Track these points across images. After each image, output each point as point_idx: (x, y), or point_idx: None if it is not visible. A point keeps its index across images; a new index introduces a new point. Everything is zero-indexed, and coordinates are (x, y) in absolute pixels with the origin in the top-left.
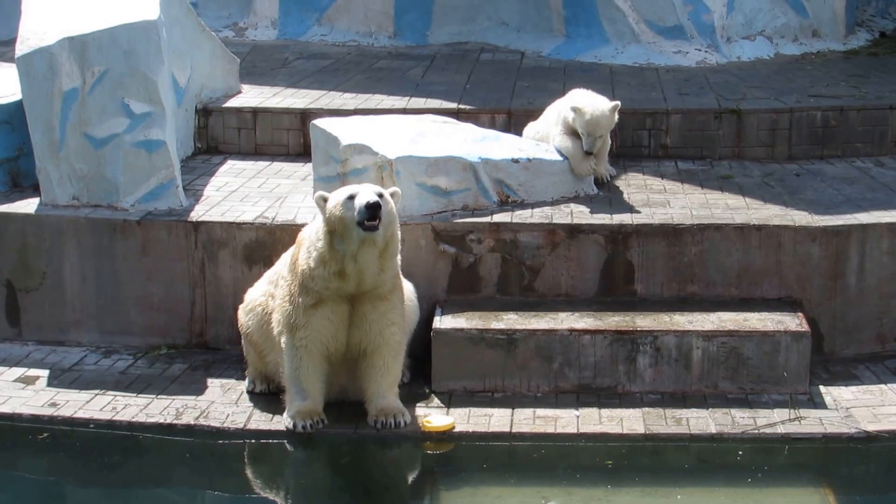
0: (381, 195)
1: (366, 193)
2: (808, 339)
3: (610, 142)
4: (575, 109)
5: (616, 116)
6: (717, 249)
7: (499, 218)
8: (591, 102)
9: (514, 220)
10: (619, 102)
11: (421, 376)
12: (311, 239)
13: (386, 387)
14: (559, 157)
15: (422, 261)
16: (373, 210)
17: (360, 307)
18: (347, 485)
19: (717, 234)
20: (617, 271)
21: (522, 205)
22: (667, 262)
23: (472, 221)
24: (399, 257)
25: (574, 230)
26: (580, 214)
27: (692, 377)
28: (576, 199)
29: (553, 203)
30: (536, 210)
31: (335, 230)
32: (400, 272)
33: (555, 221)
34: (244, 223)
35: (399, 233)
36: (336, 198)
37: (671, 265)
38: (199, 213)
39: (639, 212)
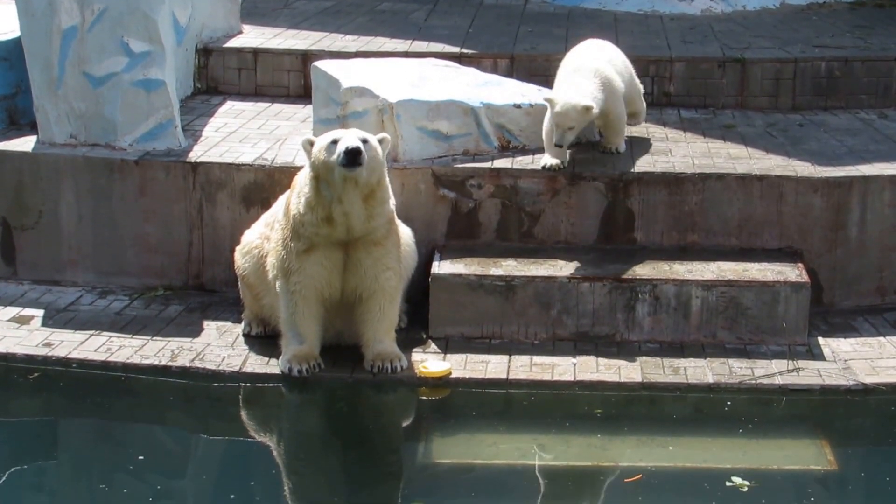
0: (365, 140)
1: (348, 138)
2: (807, 290)
3: (622, 113)
4: (547, 100)
5: (592, 114)
6: (718, 199)
7: (499, 163)
8: (563, 95)
9: (515, 166)
10: (594, 105)
11: (418, 322)
12: (301, 184)
13: (382, 332)
14: None
15: (421, 205)
16: (352, 156)
17: (354, 253)
18: (342, 429)
19: (718, 183)
20: (617, 219)
21: (523, 150)
22: (667, 210)
23: (473, 166)
24: (392, 202)
25: (575, 177)
26: (581, 161)
27: (691, 327)
28: (577, 144)
29: None
30: (537, 156)
31: (320, 175)
32: (396, 217)
33: None
34: (243, 164)
35: (387, 179)
36: (321, 142)
37: (672, 214)
38: (197, 154)
39: (640, 160)
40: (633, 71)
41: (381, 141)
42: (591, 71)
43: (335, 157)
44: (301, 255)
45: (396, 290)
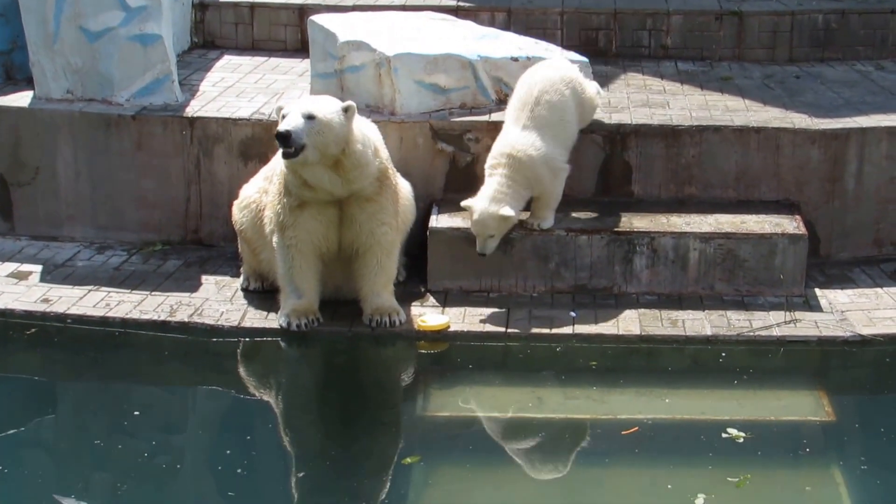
0: (311, 116)
1: (286, 120)
2: (804, 241)
3: (556, 192)
4: (465, 206)
5: (513, 221)
6: (715, 151)
7: (497, 117)
8: (481, 202)
9: None
10: (513, 214)
11: (417, 275)
12: None
13: (380, 285)
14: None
15: (419, 159)
16: (280, 140)
17: (347, 208)
18: (341, 383)
19: (715, 135)
20: (615, 172)
21: None
22: (665, 163)
23: (470, 120)
24: (385, 158)
25: None
26: None
27: (688, 279)
28: None
29: None
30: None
31: None
32: (392, 172)
33: None
34: (240, 119)
35: (359, 144)
36: (276, 112)
37: (669, 166)
38: (194, 109)
39: (637, 112)
40: (584, 87)
41: (346, 110)
42: (528, 152)
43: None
44: (294, 210)
45: (393, 244)
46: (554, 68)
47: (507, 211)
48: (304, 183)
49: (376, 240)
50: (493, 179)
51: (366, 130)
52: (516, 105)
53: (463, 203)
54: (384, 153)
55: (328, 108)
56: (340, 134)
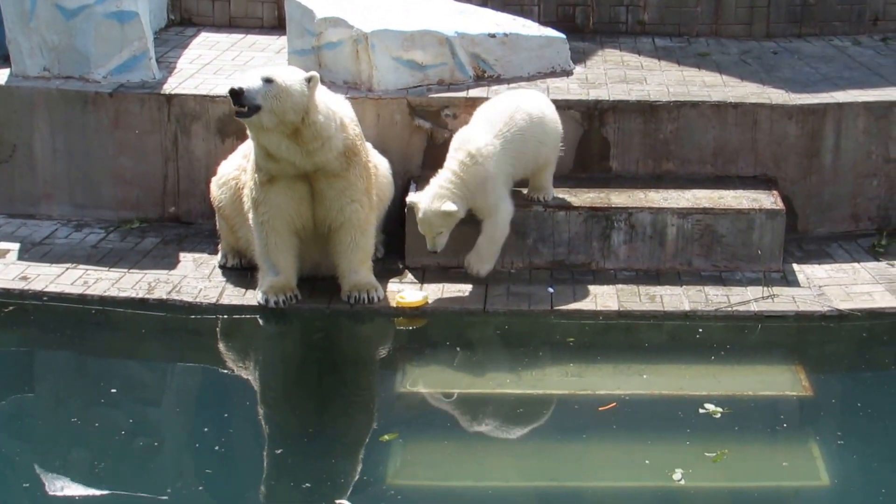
0: (269, 80)
1: (242, 78)
2: (782, 216)
3: (502, 231)
4: (410, 203)
5: (458, 216)
6: (693, 127)
7: (474, 93)
8: (427, 198)
9: (490, 96)
10: (456, 208)
11: (395, 252)
12: None
13: (357, 262)
14: (537, 33)
15: (397, 136)
16: (232, 97)
17: (316, 184)
18: (319, 360)
19: (693, 111)
20: (592, 148)
21: (498, 80)
22: (642, 138)
23: (448, 96)
24: (353, 133)
25: None
26: (556, 90)
27: (666, 254)
28: (552, 74)
29: (529, 78)
30: (513, 85)
31: None
32: (361, 149)
33: None
34: (218, 96)
35: (322, 117)
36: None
37: (647, 142)
38: (172, 86)
39: (615, 88)
40: (554, 121)
41: (309, 80)
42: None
43: None
44: (265, 185)
45: (366, 221)
46: (542, 106)
47: (450, 206)
48: (267, 154)
49: (347, 217)
50: (441, 175)
51: (333, 105)
52: (490, 114)
53: (408, 199)
54: (354, 129)
55: (288, 74)
56: (299, 102)
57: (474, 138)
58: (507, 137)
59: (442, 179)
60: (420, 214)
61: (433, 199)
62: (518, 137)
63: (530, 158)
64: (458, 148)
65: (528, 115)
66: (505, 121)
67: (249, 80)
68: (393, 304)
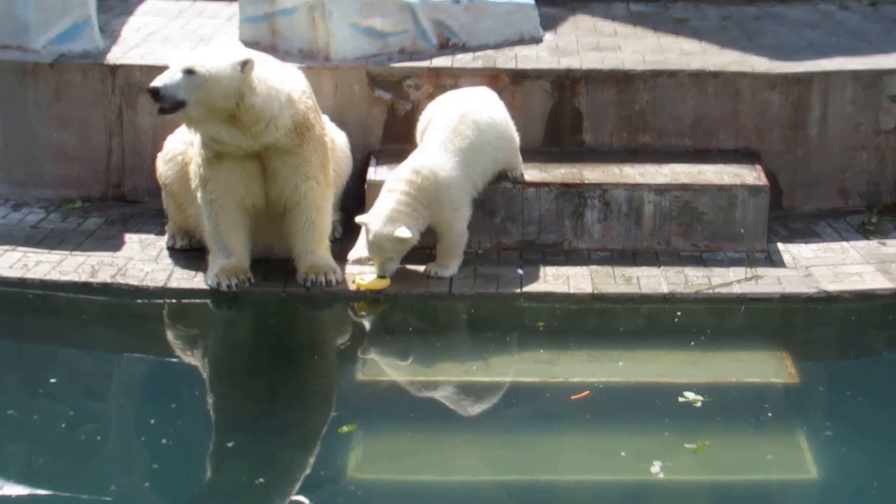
0: (191, 71)
1: (163, 74)
2: (766, 193)
3: (460, 237)
4: (360, 223)
5: (412, 242)
6: (670, 97)
7: (438, 62)
8: (378, 220)
9: (455, 65)
10: (410, 235)
11: (354, 231)
12: None
13: (313, 242)
14: None
15: (355, 108)
16: (151, 96)
17: (269, 162)
18: (274, 347)
19: (670, 80)
20: (564, 120)
21: (464, 48)
22: (617, 110)
23: (410, 66)
24: (300, 108)
25: (518, 76)
26: (525, 59)
27: (643, 233)
28: (520, 42)
29: (496, 47)
30: (479, 54)
31: None
32: (314, 123)
33: (498, 66)
34: (165, 67)
35: (259, 100)
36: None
37: (622, 114)
38: (116, 56)
39: (587, 56)
40: (505, 124)
41: (244, 64)
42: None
43: None
44: (212, 162)
45: (323, 198)
46: (491, 111)
47: (404, 233)
48: (210, 138)
49: (302, 195)
50: (392, 196)
51: (277, 81)
52: (436, 124)
53: (357, 219)
54: (306, 102)
55: (214, 61)
56: (229, 88)
57: (423, 155)
58: (456, 149)
59: (394, 201)
60: (370, 237)
61: (385, 221)
62: (468, 148)
63: (488, 165)
64: (407, 165)
65: (474, 124)
66: (449, 133)
67: (168, 75)
68: (352, 286)
